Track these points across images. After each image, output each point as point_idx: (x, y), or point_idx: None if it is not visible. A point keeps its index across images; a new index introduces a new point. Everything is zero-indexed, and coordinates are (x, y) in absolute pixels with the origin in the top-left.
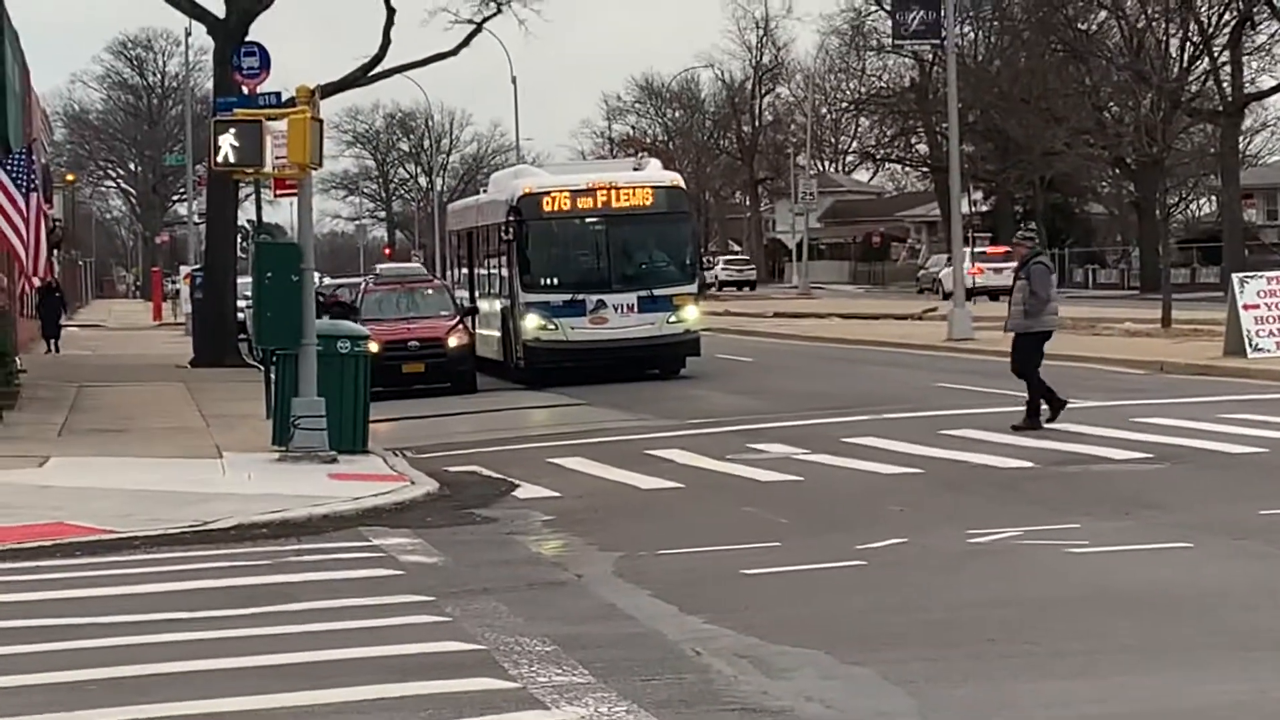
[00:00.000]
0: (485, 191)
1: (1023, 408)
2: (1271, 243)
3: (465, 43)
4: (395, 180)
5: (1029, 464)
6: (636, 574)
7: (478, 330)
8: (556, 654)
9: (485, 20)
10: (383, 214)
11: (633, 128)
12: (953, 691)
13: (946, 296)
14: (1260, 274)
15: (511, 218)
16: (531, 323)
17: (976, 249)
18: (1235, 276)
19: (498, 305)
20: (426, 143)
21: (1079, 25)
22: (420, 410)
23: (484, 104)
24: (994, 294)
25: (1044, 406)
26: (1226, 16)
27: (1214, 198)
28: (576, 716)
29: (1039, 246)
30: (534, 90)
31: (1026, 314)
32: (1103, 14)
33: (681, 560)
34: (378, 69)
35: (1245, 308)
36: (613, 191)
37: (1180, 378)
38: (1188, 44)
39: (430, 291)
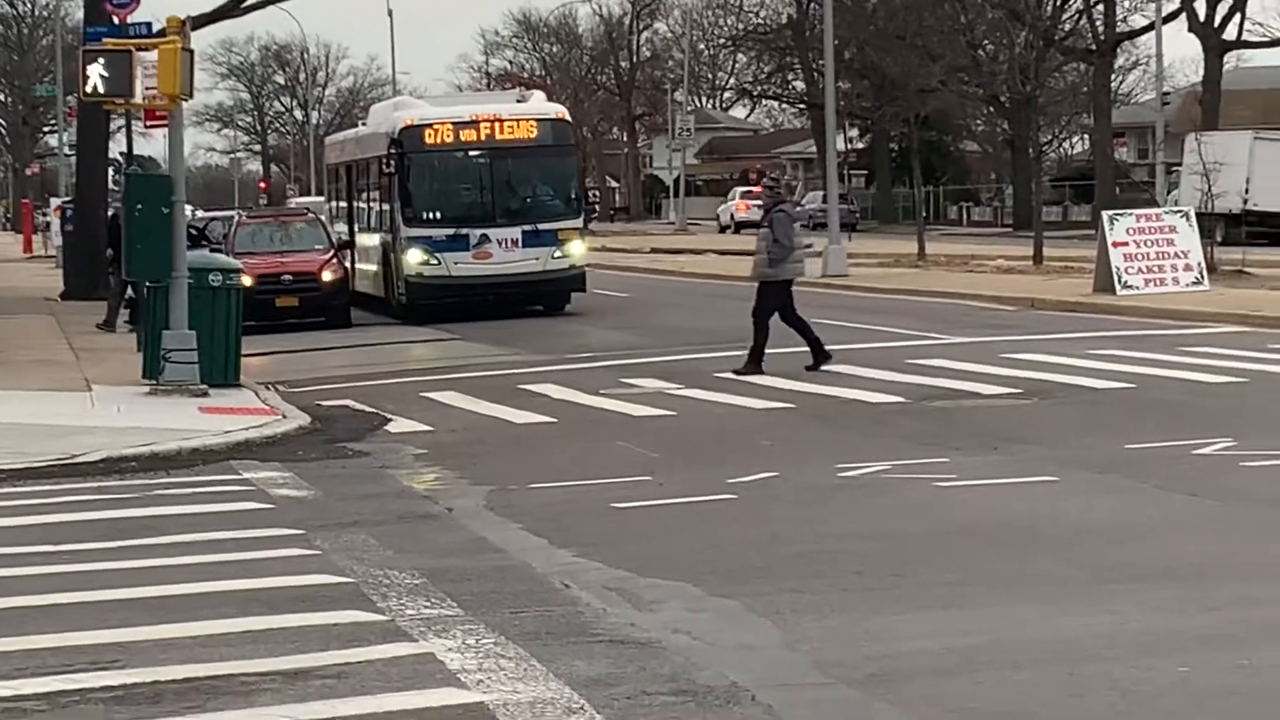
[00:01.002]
0: (364, 124)
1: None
2: (1142, 181)
3: None
4: (270, 113)
5: (899, 399)
6: (507, 507)
7: (357, 265)
8: (425, 587)
9: None
10: (258, 147)
11: (510, 62)
12: (819, 623)
13: (722, 230)
14: (1130, 212)
15: (393, 150)
16: (414, 258)
17: (744, 187)
18: (1105, 214)
19: (378, 240)
20: (302, 76)
21: None
22: (293, 344)
23: (360, 37)
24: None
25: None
26: None
27: (1086, 136)
28: (444, 649)
29: (779, 195)
30: (410, 24)
31: (771, 262)
32: None
33: (552, 494)
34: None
35: (1115, 245)
36: (497, 124)
37: (1051, 314)
38: None
39: (304, 225)
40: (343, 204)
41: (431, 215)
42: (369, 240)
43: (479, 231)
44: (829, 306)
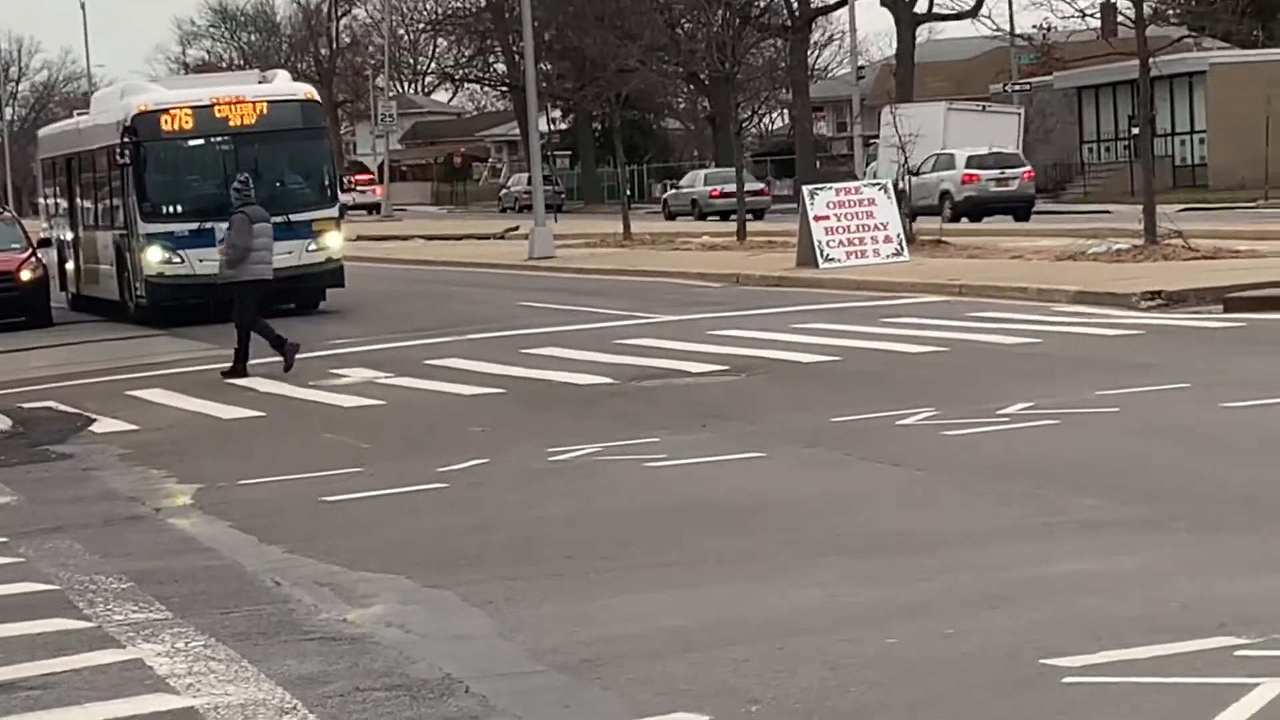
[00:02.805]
0: (82, 114)
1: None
2: (841, 154)
3: None
4: None
5: (609, 380)
6: (216, 506)
7: (85, 267)
8: (133, 591)
9: None
10: None
11: (208, 52)
12: (532, 610)
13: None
14: (829, 185)
15: (126, 139)
16: (154, 256)
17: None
18: (806, 189)
19: (111, 238)
20: None
21: None
22: None
23: (53, 30)
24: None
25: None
26: None
27: (785, 111)
28: (152, 653)
29: (247, 197)
30: (104, 14)
31: (229, 264)
32: None
33: (262, 490)
34: None
35: (816, 219)
36: (240, 107)
37: (756, 289)
38: None
39: (0, 225)
40: (62, 202)
41: (172, 209)
42: (99, 239)
43: (225, 225)
44: (537, 289)
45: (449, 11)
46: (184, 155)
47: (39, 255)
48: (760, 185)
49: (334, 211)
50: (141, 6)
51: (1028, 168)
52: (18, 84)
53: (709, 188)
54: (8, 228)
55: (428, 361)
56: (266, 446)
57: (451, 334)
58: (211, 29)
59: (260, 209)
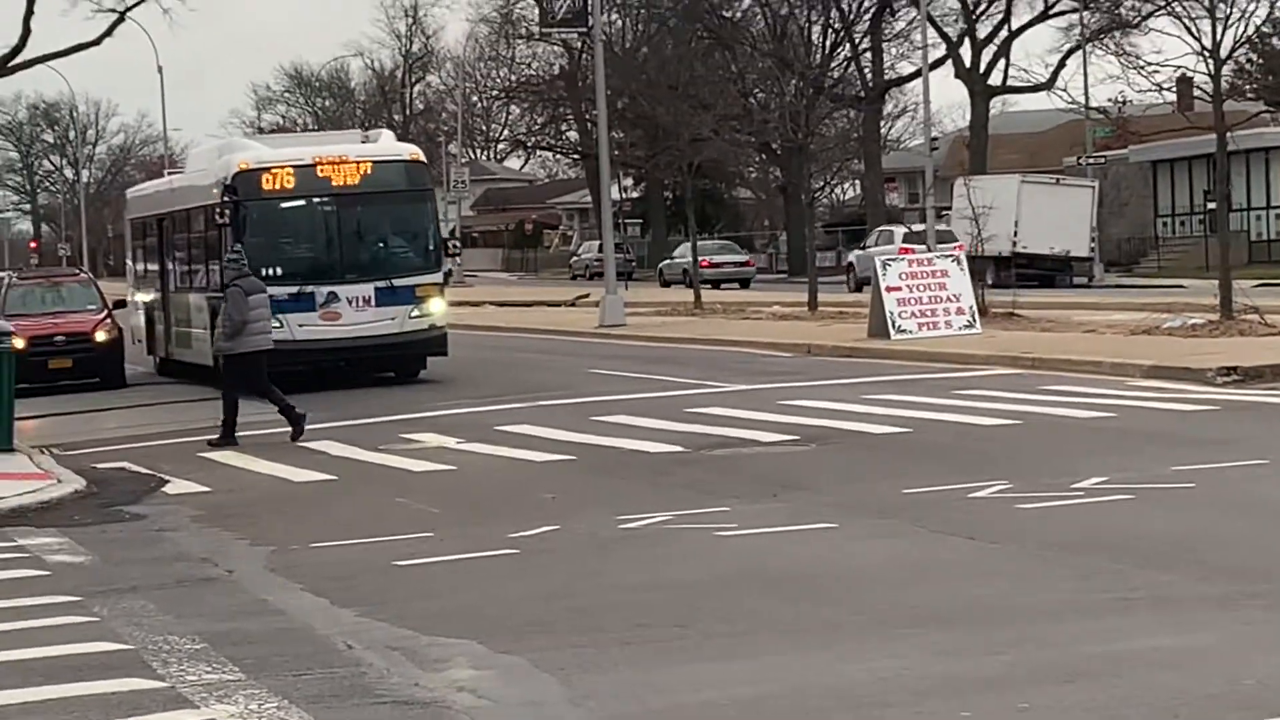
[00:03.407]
0: (172, 173)
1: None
2: (914, 226)
3: (108, 32)
4: (40, 173)
5: (680, 448)
6: (288, 568)
7: (175, 330)
8: (206, 651)
9: (129, 9)
10: (28, 207)
11: (283, 117)
12: (604, 677)
13: None
14: (902, 256)
15: (226, 198)
16: None
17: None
18: (878, 259)
19: (204, 301)
20: (72, 134)
21: (724, 13)
22: (69, 406)
23: (130, 94)
24: None
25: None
26: (867, 3)
27: (857, 181)
28: (226, 714)
29: (243, 269)
30: (181, 80)
31: (226, 336)
32: (747, 1)
33: (334, 553)
34: (18, 59)
35: (888, 290)
36: (344, 167)
37: (827, 359)
38: (829, 31)
39: (77, 285)
40: (151, 263)
41: (272, 271)
42: (192, 302)
43: (326, 289)
44: (608, 356)
45: (522, 79)
46: (285, 216)
47: (114, 317)
48: (746, 257)
49: (438, 277)
50: (218, 71)
51: (959, 243)
52: (95, 147)
53: (699, 258)
54: (84, 289)
55: (498, 427)
56: (338, 510)
57: (522, 400)
58: (286, 94)
59: (256, 280)
